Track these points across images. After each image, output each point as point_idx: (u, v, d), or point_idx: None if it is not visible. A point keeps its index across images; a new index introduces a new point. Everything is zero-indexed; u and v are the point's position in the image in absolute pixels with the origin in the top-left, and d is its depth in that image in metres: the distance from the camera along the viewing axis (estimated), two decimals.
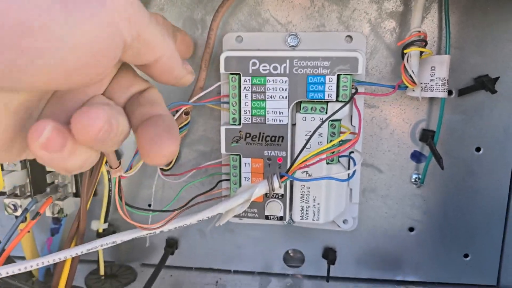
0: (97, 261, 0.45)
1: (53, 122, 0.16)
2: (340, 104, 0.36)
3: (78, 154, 0.17)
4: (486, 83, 0.37)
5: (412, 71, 0.35)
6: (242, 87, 0.37)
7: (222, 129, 0.38)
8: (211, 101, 0.39)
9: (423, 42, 0.35)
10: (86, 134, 0.16)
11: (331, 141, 0.37)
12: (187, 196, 0.39)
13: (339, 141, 0.33)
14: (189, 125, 0.41)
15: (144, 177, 0.45)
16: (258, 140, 0.38)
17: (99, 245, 0.37)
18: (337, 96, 0.36)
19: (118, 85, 0.21)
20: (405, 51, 0.36)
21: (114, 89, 0.21)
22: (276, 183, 0.32)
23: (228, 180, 0.40)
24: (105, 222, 0.44)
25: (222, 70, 0.37)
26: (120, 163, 0.32)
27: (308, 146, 0.36)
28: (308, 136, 0.37)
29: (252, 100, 0.37)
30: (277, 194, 0.39)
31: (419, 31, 0.35)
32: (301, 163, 0.32)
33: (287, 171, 0.32)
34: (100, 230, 0.44)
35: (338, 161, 0.39)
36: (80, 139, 0.16)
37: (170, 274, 0.47)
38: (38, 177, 0.42)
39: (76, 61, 0.16)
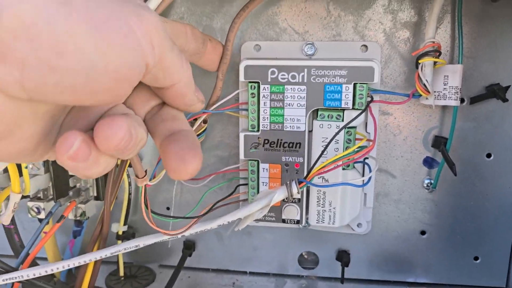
0: (117, 263, 0.47)
1: (81, 135, 0.17)
2: (356, 112, 0.37)
3: (101, 162, 0.18)
4: (497, 92, 0.39)
5: (426, 80, 0.37)
6: (261, 95, 0.38)
7: (241, 135, 0.39)
8: (229, 108, 0.40)
9: (437, 52, 0.36)
10: (108, 144, 0.17)
11: (347, 147, 0.38)
12: (206, 200, 0.41)
13: (356, 148, 0.35)
14: (206, 131, 0.42)
15: (163, 181, 0.46)
16: (276, 146, 0.39)
17: (123, 248, 0.38)
18: (353, 104, 0.37)
19: (138, 97, 0.22)
20: (419, 61, 0.37)
21: (134, 100, 0.22)
22: (294, 189, 0.34)
23: (246, 184, 0.41)
24: (124, 224, 0.46)
25: (241, 78, 0.39)
26: (146, 172, 0.33)
27: (324, 152, 0.38)
28: (324, 142, 0.38)
29: (270, 107, 0.39)
30: (294, 198, 0.40)
31: (433, 42, 0.36)
32: (319, 169, 0.33)
33: (305, 177, 0.34)
34: (120, 232, 0.46)
35: (354, 167, 0.40)
36: (102, 148, 0.17)
37: (188, 275, 0.48)
38: (60, 181, 0.44)
39: (103, 83, 0.17)
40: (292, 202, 0.40)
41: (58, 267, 0.37)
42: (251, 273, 0.48)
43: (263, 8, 0.40)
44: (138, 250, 0.48)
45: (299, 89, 0.38)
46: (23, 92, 0.16)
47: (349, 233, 0.44)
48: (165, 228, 0.35)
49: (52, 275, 0.45)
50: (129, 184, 0.45)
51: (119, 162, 0.39)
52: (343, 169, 0.39)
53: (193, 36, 0.34)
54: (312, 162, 0.39)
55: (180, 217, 0.36)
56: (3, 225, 0.41)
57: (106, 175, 0.45)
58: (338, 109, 0.38)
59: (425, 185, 0.43)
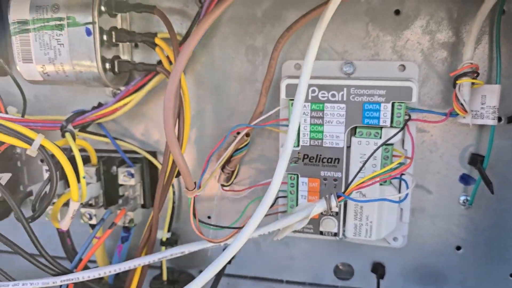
0: (160, 267, 0.49)
1: None
2: (394, 130, 0.38)
3: None
4: None
5: (464, 100, 0.38)
6: (302, 112, 0.40)
7: (282, 150, 0.41)
8: (270, 124, 0.42)
9: (475, 73, 0.37)
10: None
11: (384, 164, 0.39)
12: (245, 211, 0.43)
13: (395, 166, 0.36)
14: (249, 145, 0.45)
15: (205, 191, 0.49)
16: (315, 161, 0.41)
17: (169, 254, 0.41)
18: (391, 122, 0.39)
19: None
20: (457, 82, 0.38)
21: None
22: (333, 203, 0.35)
23: (285, 197, 0.43)
24: (168, 231, 0.48)
25: (282, 96, 0.41)
26: (195, 184, 0.36)
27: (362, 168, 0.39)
28: (362, 158, 0.40)
29: (310, 124, 0.40)
30: (332, 211, 0.42)
31: (471, 63, 0.37)
32: (357, 185, 0.35)
33: (344, 191, 0.35)
34: (164, 239, 0.48)
35: (391, 182, 0.41)
36: None
37: (227, 281, 0.50)
38: (111, 189, 0.47)
39: None
40: (330, 214, 0.42)
41: (110, 270, 0.40)
42: (287, 282, 0.50)
43: (305, 28, 0.42)
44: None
45: (338, 107, 0.39)
46: None
47: (384, 246, 0.45)
48: (205, 236, 0.37)
49: (101, 278, 0.48)
50: (173, 193, 0.48)
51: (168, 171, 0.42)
52: (380, 184, 0.40)
53: None
54: (350, 178, 0.41)
55: (226, 227, 0.38)
56: (57, 230, 0.45)
57: (153, 185, 0.48)
58: (376, 126, 0.39)
59: (461, 202, 0.43)
